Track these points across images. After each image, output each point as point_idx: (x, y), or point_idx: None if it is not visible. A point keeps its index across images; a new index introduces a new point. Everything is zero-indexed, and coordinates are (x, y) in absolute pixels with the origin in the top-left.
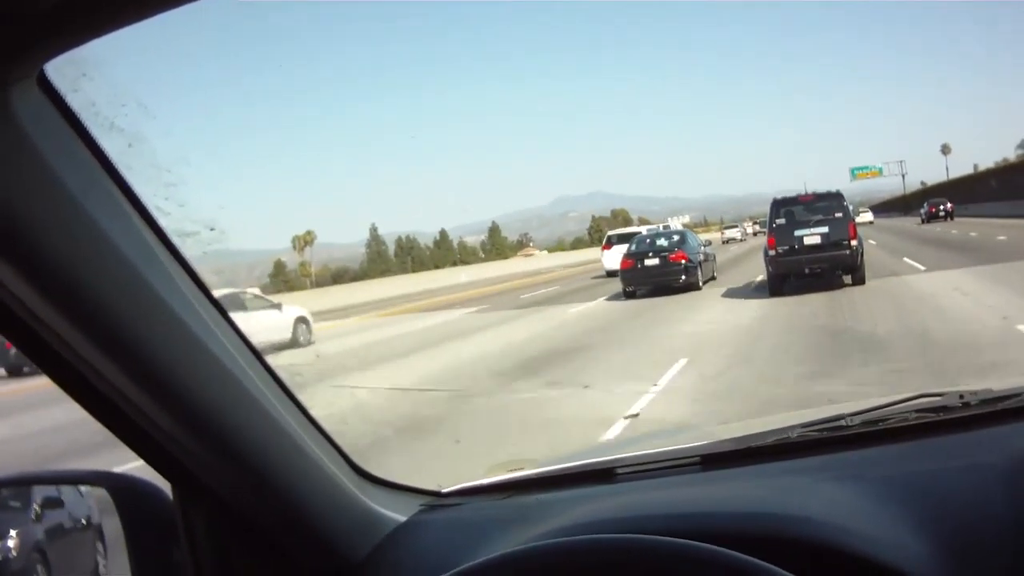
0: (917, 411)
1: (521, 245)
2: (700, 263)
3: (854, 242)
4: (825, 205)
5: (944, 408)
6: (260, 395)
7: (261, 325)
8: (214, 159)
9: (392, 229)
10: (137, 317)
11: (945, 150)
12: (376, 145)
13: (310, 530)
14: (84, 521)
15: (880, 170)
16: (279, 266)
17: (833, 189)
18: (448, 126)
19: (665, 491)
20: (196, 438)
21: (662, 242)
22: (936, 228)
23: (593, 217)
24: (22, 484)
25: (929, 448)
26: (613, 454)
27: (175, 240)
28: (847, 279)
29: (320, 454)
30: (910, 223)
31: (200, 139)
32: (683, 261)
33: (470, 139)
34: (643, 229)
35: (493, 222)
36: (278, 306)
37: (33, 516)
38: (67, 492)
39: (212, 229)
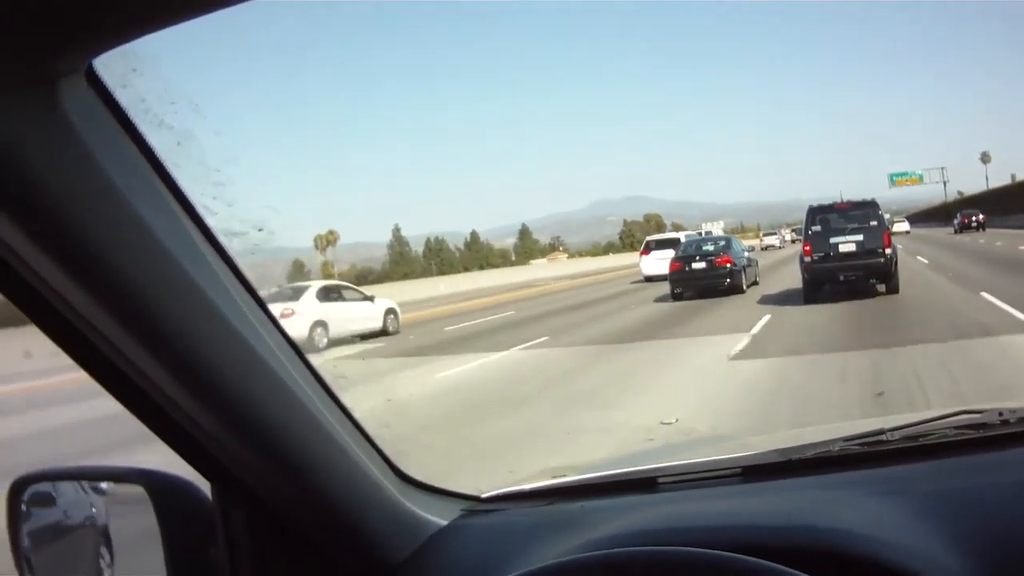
0: (956, 428)
1: (552, 249)
2: (744, 267)
3: (888, 250)
4: (860, 213)
5: (984, 425)
6: (303, 395)
7: (358, 314)
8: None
9: (419, 231)
10: (182, 315)
11: (985, 159)
12: (403, 146)
13: (350, 532)
14: (113, 519)
15: (920, 177)
16: (297, 266)
17: (869, 197)
18: (484, 128)
19: (706, 502)
20: (237, 437)
21: (708, 247)
22: (966, 238)
23: (625, 222)
24: (59, 479)
25: (968, 465)
26: (654, 463)
27: (222, 239)
28: (881, 288)
29: (362, 455)
30: (943, 233)
31: (238, 138)
32: (728, 265)
33: (506, 142)
34: (682, 235)
35: (523, 224)
36: (371, 298)
37: (64, 513)
38: (98, 489)
39: (260, 230)
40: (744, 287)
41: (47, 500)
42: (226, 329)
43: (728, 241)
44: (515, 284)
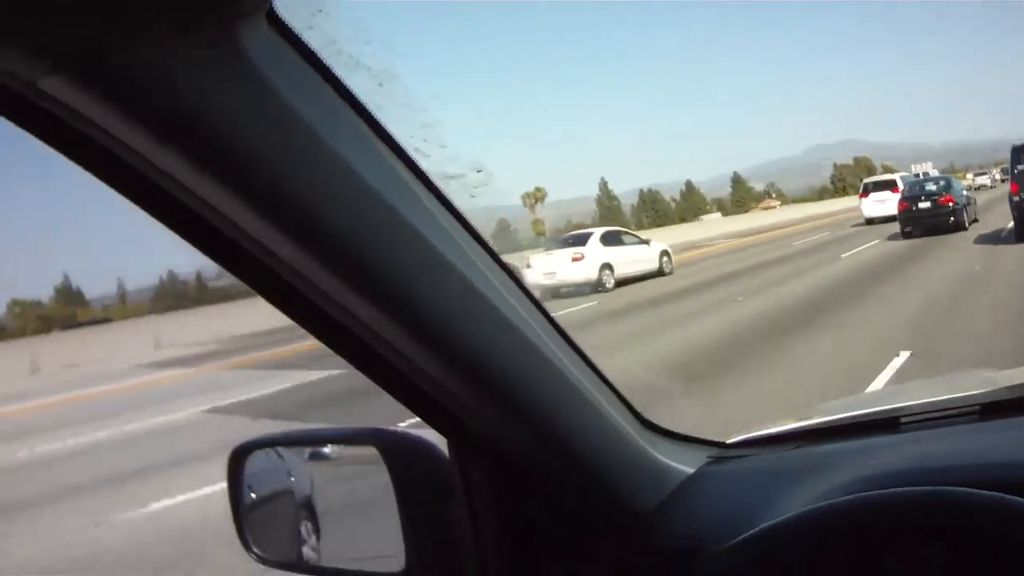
0: None
1: (766, 195)
2: (964, 206)
3: None
4: None
5: None
6: (542, 344)
7: (637, 256)
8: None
9: (628, 185)
10: (408, 265)
11: None
12: (611, 98)
13: (596, 483)
14: (339, 482)
15: None
16: (503, 224)
17: None
18: (700, 78)
19: (948, 441)
20: (476, 390)
21: (931, 187)
22: None
23: (836, 165)
24: (283, 444)
25: None
26: (896, 402)
27: (438, 183)
28: None
29: (606, 404)
30: None
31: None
32: (951, 204)
33: (720, 90)
34: (897, 176)
35: (735, 173)
36: (647, 242)
37: (287, 477)
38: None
39: (479, 171)
40: (966, 224)
41: (270, 465)
42: (459, 279)
43: (948, 181)
44: (738, 232)
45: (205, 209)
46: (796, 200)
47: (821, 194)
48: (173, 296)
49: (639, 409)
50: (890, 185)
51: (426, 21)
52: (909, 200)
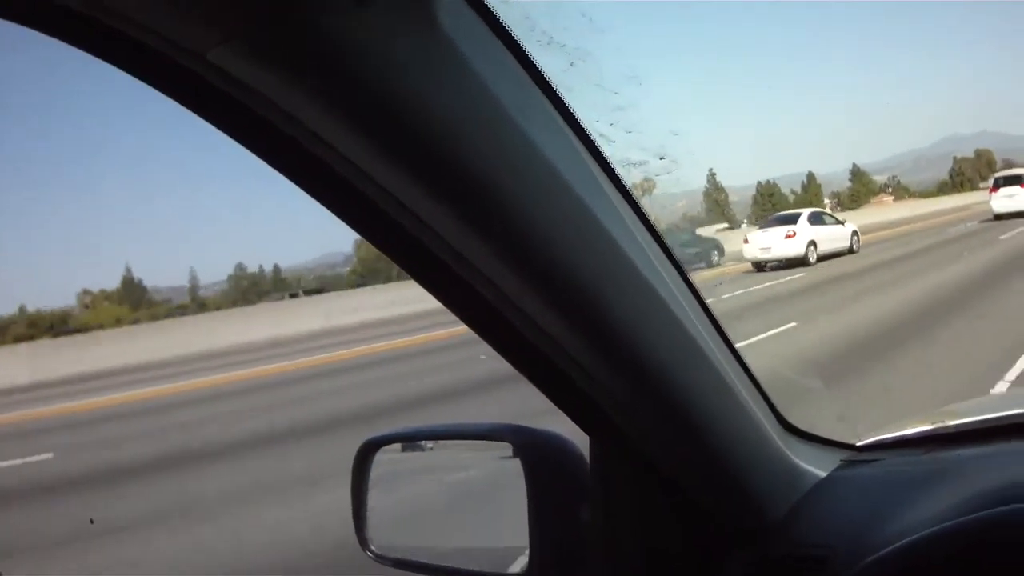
0: None
1: (882, 190)
2: None
3: None
4: None
5: None
6: (701, 340)
7: (835, 235)
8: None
9: (747, 178)
10: (575, 250)
11: None
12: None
13: (735, 486)
14: (466, 478)
15: None
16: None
17: None
18: (829, 65)
19: None
20: (625, 380)
21: None
22: None
23: (955, 159)
24: (411, 439)
25: None
26: None
27: (619, 170)
28: None
29: (754, 407)
30: None
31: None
32: None
33: (850, 76)
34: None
35: (854, 164)
36: (843, 222)
37: (412, 474)
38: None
39: (662, 158)
40: None
41: (397, 462)
42: (623, 267)
43: None
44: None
45: (369, 185)
46: (917, 195)
47: (941, 188)
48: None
49: (781, 409)
50: (1021, 180)
51: None
52: None
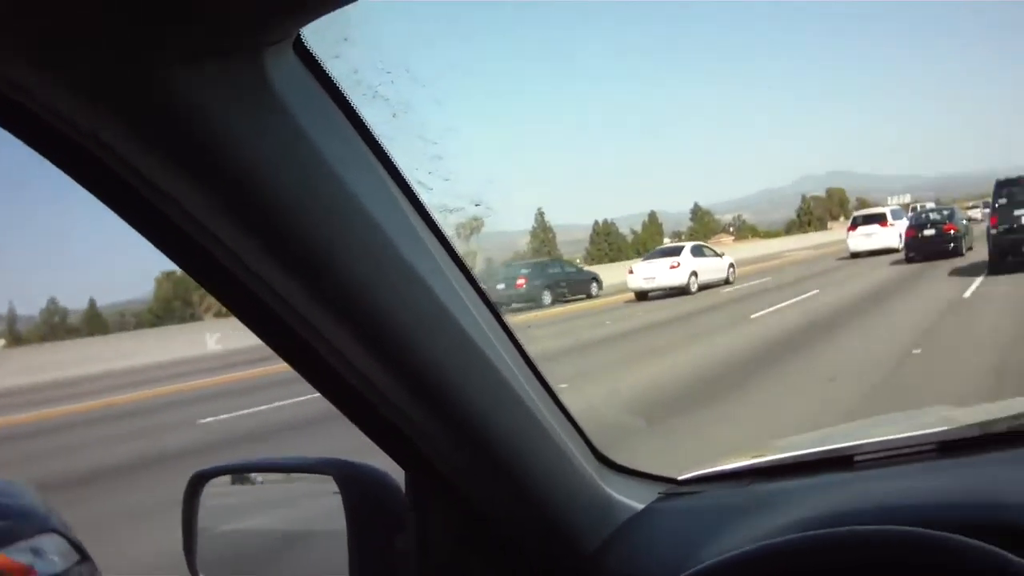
0: None
1: (723, 230)
2: (964, 235)
3: None
4: None
5: None
6: (511, 375)
7: (714, 267)
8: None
9: (589, 216)
10: (389, 294)
11: None
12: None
13: (546, 518)
14: (294, 511)
15: None
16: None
17: None
18: (672, 102)
19: (904, 480)
20: (440, 421)
21: (936, 216)
22: None
23: (804, 197)
24: (240, 472)
25: None
26: (852, 439)
27: (436, 216)
28: None
29: (567, 440)
30: None
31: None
32: (953, 232)
33: (701, 117)
34: (887, 210)
35: (695, 203)
36: (721, 255)
37: (241, 506)
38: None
39: (477, 204)
40: (964, 251)
41: (227, 494)
42: (436, 308)
43: (952, 211)
44: None
45: (202, 233)
46: (762, 234)
47: (789, 228)
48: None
49: (595, 443)
50: (879, 219)
51: (452, 49)
52: (915, 228)
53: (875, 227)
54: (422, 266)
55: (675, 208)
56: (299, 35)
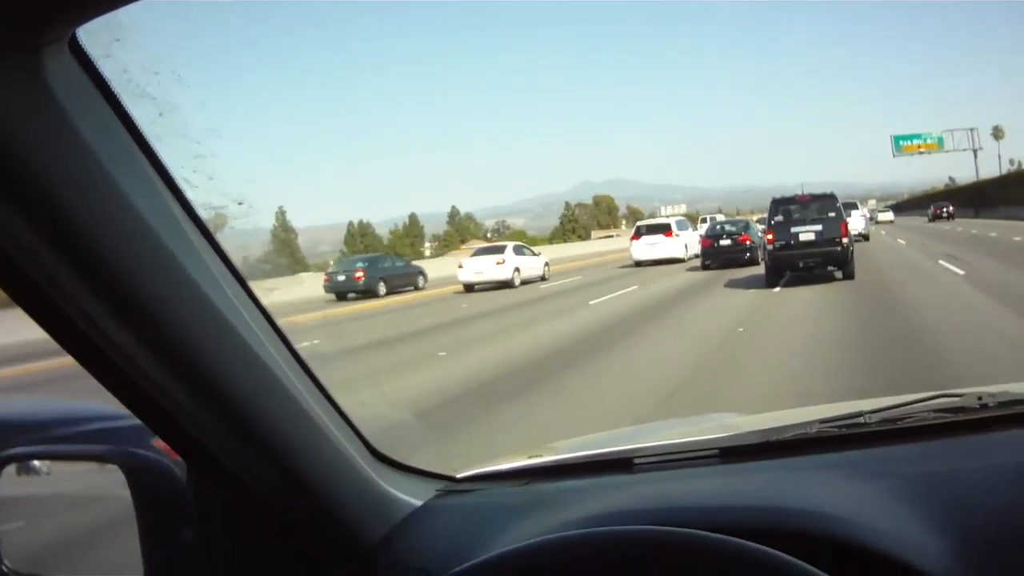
0: (935, 411)
1: (472, 236)
2: (758, 245)
3: (845, 240)
4: (820, 205)
5: (962, 409)
6: (280, 372)
7: (533, 264)
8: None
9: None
10: (159, 288)
11: (997, 134)
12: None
13: (324, 512)
14: (89, 498)
15: (939, 141)
16: None
17: (828, 191)
18: (461, 108)
19: (684, 483)
20: (213, 414)
21: (731, 228)
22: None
23: (568, 204)
24: (36, 459)
25: (947, 448)
26: (633, 443)
27: (201, 213)
28: (838, 274)
29: (338, 435)
30: (920, 221)
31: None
32: (748, 242)
33: (487, 120)
34: (672, 221)
35: (452, 207)
36: (539, 254)
37: (37, 493)
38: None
39: (240, 203)
40: (759, 260)
41: (20, 480)
42: (204, 304)
43: (747, 224)
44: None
45: None
46: (528, 241)
47: (554, 235)
48: None
49: (371, 440)
50: (664, 229)
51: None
52: (712, 238)
53: (660, 237)
54: (188, 261)
55: (438, 209)
56: (74, 35)
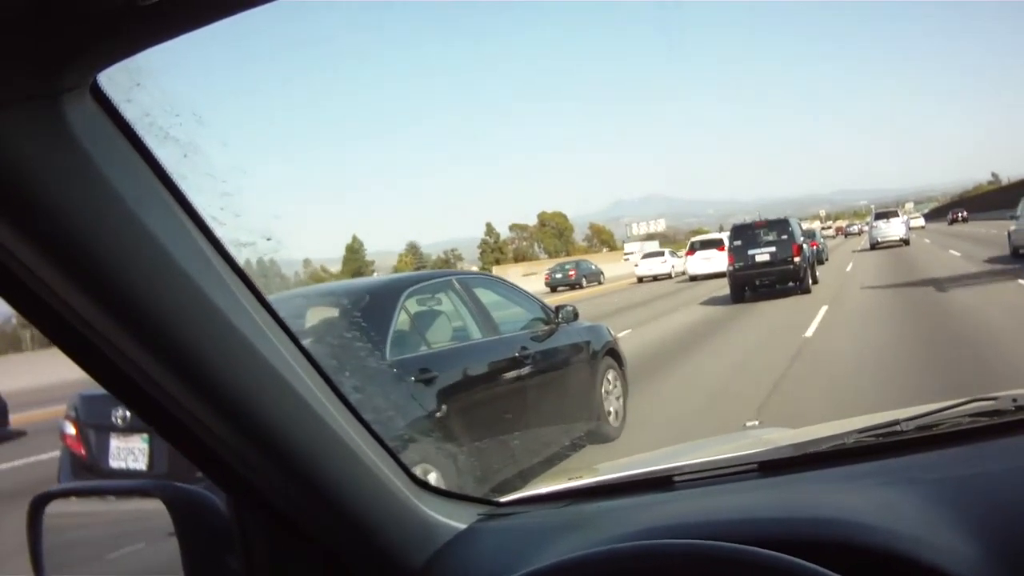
0: (971, 415)
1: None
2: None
3: (798, 259)
4: (774, 229)
5: (997, 412)
6: (316, 403)
7: (677, 263)
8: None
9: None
10: (194, 327)
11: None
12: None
13: (366, 540)
14: (133, 532)
15: None
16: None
17: (783, 217)
18: (489, 130)
19: (722, 498)
20: (252, 447)
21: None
22: (955, 228)
23: (510, 227)
24: (78, 495)
25: (983, 452)
26: (672, 462)
27: (231, 250)
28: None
29: (378, 463)
30: (943, 225)
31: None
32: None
33: (516, 141)
34: (724, 236)
35: (409, 242)
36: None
37: (83, 527)
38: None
39: (268, 239)
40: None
41: (67, 515)
42: (239, 340)
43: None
44: None
45: (18, 266)
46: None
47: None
48: None
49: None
50: (716, 244)
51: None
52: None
53: (713, 251)
54: (220, 298)
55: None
56: (95, 81)
